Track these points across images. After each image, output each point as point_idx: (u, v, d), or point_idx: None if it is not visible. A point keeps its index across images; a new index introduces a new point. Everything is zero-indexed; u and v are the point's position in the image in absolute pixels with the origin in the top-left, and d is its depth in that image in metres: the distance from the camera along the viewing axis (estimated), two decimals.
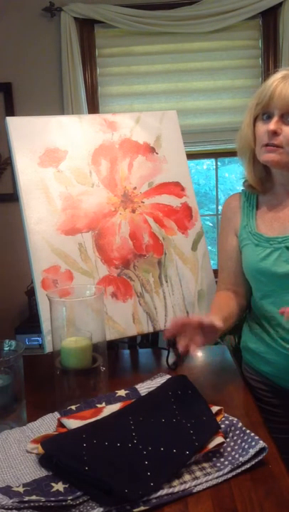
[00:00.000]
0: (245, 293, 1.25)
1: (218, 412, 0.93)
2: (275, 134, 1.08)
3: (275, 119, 1.08)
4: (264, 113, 1.12)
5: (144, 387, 1.04)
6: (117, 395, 1.01)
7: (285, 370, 1.16)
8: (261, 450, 0.82)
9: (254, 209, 1.23)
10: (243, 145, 1.19)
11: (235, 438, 0.87)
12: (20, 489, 0.74)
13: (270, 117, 1.11)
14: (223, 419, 0.91)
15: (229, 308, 1.19)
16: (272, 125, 1.08)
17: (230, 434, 0.88)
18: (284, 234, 1.14)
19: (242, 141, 1.19)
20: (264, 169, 1.20)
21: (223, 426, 0.89)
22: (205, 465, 0.82)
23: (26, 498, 0.71)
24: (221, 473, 0.80)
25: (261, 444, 0.82)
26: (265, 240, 1.16)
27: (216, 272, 1.31)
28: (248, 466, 0.81)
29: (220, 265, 1.29)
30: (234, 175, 3.50)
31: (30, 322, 2.87)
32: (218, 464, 0.82)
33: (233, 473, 0.80)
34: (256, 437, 0.84)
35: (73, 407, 0.96)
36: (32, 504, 0.71)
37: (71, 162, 1.27)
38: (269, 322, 1.18)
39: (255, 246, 1.17)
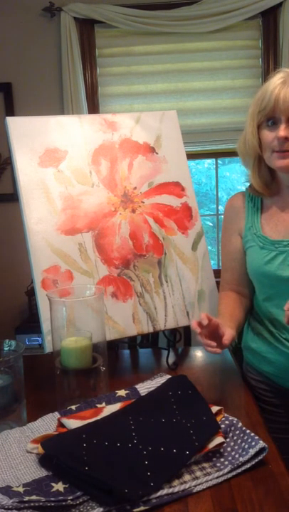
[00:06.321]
0: (249, 294, 1.25)
1: (218, 412, 0.93)
2: (286, 139, 1.07)
3: (283, 125, 1.07)
4: (268, 119, 1.10)
5: (144, 387, 1.04)
6: (117, 395, 1.01)
7: (287, 370, 1.16)
8: (261, 450, 0.82)
9: (259, 210, 1.22)
10: (248, 153, 1.17)
11: (235, 438, 0.87)
12: (20, 489, 0.74)
13: (275, 123, 1.10)
14: (223, 419, 0.91)
15: (240, 314, 1.20)
16: (282, 132, 1.07)
17: (231, 434, 0.88)
18: None
19: (247, 149, 1.17)
20: (269, 173, 1.19)
21: (223, 426, 0.89)
22: (205, 465, 0.82)
23: (26, 498, 0.71)
24: (221, 473, 0.80)
25: (261, 444, 0.82)
26: (270, 242, 1.15)
27: (216, 272, 1.31)
28: (248, 466, 0.81)
29: (223, 265, 1.29)
30: (235, 174, 3.50)
31: (30, 322, 2.87)
32: (218, 464, 0.82)
33: (233, 473, 0.80)
34: (256, 437, 0.84)
35: (73, 407, 0.96)
36: (32, 504, 0.71)
37: (71, 162, 1.27)
38: (272, 323, 1.18)
39: (260, 249, 1.16)
